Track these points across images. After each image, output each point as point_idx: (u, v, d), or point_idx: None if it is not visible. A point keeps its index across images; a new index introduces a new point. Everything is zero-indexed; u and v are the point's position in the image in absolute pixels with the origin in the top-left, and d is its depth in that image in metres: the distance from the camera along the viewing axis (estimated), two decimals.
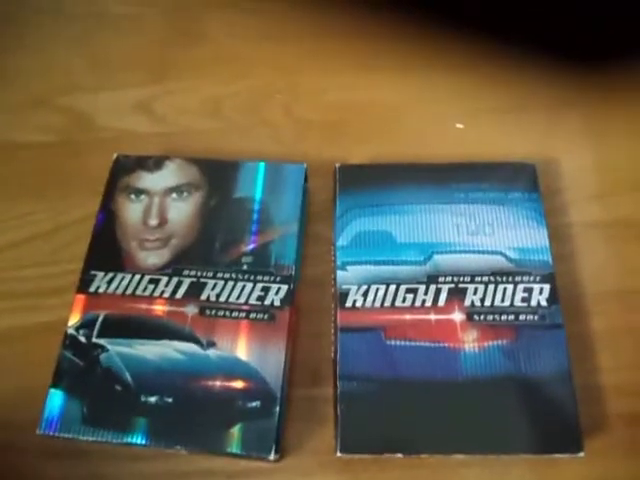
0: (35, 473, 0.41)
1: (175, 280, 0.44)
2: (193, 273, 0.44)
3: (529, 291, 0.42)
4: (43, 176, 0.52)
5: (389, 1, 0.59)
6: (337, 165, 0.48)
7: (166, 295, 0.43)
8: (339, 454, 0.38)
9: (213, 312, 0.42)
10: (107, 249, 0.45)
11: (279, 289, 0.43)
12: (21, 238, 0.49)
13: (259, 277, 0.44)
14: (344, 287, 0.43)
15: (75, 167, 0.52)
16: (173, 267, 0.44)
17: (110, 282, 0.44)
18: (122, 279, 0.44)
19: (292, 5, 0.60)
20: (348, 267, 0.44)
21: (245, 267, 0.44)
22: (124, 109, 0.54)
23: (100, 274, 0.44)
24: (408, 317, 0.42)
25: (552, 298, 0.42)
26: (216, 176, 0.48)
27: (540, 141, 0.52)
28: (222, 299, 0.43)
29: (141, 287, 0.43)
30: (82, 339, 0.42)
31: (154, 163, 0.48)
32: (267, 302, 0.43)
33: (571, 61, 0.56)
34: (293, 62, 0.57)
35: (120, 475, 0.41)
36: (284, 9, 0.59)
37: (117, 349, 0.41)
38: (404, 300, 0.42)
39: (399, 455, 0.39)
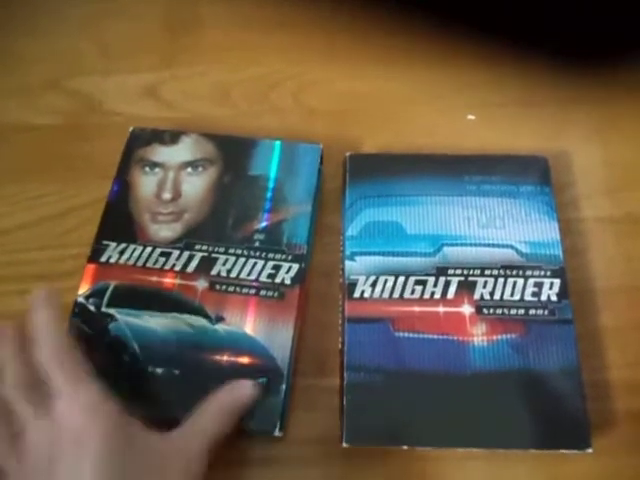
0: None
1: (186, 254, 0.44)
2: (205, 248, 0.44)
3: (539, 285, 0.42)
4: (52, 159, 0.52)
5: None
6: (347, 154, 0.48)
7: (177, 268, 0.43)
8: (345, 445, 0.38)
9: (223, 287, 0.43)
10: (120, 220, 0.45)
11: (290, 267, 0.43)
12: (29, 220, 0.49)
13: (270, 255, 0.44)
14: (352, 277, 0.43)
15: (84, 150, 0.52)
16: (185, 241, 0.44)
17: (122, 253, 0.44)
18: (134, 250, 0.44)
19: None
20: (357, 257, 0.43)
21: (257, 244, 0.44)
22: (133, 93, 0.54)
23: (112, 244, 0.44)
24: (417, 309, 0.42)
25: (562, 293, 0.42)
26: (232, 153, 0.48)
27: (551, 135, 0.52)
28: (233, 275, 0.43)
29: (152, 259, 0.43)
30: (91, 308, 0.42)
31: (170, 137, 0.48)
32: (278, 280, 0.43)
33: (584, 56, 0.55)
34: (302, 51, 0.56)
35: None
36: None
37: (126, 319, 0.41)
38: (413, 292, 0.42)
39: (404, 447, 0.38)
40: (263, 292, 0.42)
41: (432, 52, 0.56)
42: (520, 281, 0.42)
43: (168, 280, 0.43)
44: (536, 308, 0.41)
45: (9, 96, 0.55)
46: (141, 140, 0.49)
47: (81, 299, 0.42)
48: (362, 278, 0.43)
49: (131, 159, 0.48)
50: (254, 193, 0.46)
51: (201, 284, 0.42)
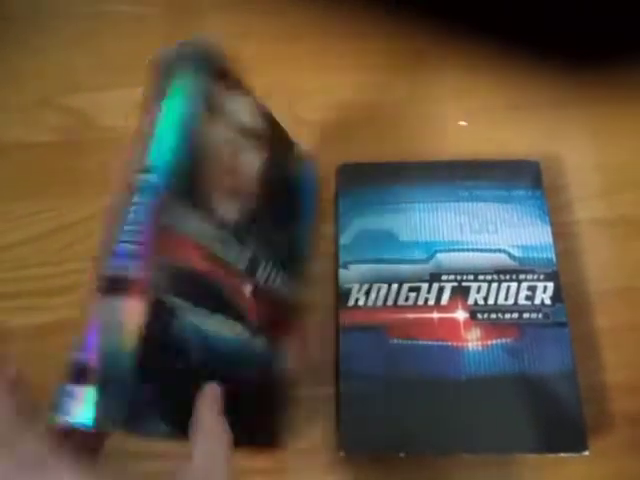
0: None
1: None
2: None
3: (533, 289, 0.42)
4: (48, 176, 0.52)
5: (390, 1, 0.59)
6: (339, 164, 0.48)
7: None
8: (342, 454, 0.38)
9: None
10: None
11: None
12: (26, 237, 0.50)
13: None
14: (346, 286, 0.43)
15: (79, 167, 0.52)
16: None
17: None
18: None
19: (293, 5, 0.59)
20: (350, 266, 0.44)
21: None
22: (126, 109, 0.54)
23: None
24: (411, 316, 0.42)
25: (556, 296, 0.42)
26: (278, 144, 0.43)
27: (544, 138, 0.52)
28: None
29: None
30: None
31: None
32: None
33: (575, 59, 0.55)
34: (294, 61, 0.57)
35: None
36: (285, 9, 0.59)
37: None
38: (407, 299, 0.42)
39: (401, 454, 0.39)
40: None
41: (423, 59, 0.56)
42: (514, 285, 0.42)
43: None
44: (530, 312, 0.42)
45: (4, 113, 0.55)
46: None
47: None
48: (356, 286, 0.43)
49: None
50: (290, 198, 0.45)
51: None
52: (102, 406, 0.25)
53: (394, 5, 0.58)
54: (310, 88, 0.55)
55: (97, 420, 0.25)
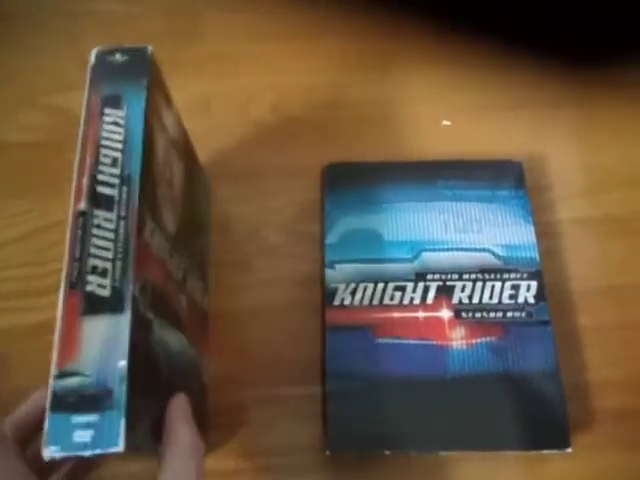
0: None
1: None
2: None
3: (516, 288, 0.43)
4: (30, 176, 0.51)
5: (377, 1, 0.59)
6: (325, 164, 0.48)
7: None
8: (328, 452, 0.39)
9: None
10: None
11: None
12: (7, 238, 0.49)
13: None
14: (332, 286, 0.43)
15: (62, 167, 0.51)
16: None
17: None
18: None
19: (281, 4, 0.59)
20: (336, 265, 0.44)
21: None
22: None
23: None
24: (396, 315, 0.42)
25: (539, 295, 0.42)
26: (189, 155, 0.43)
27: (527, 138, 0.52)
28: None
29: None
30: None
31: None
32: None
33: (559, 60, 0.56)
34: (281, 61, 0.57)
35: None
36: (272, 8, 0.59)
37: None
38: (392, 298, 0.43)
39: (387, 452, 0.39)
40: None
41: (408, 59, 0.56)
42: (498, 284, 0.43)
43: None
44: (514, 311, 0.42)
45: None
46: None
47: None
48: (342, 286, 0.43)
49: None
50: None
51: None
52: (127, 428, 0.24)
53: (385, 6, 0.59)
54: (296, 88, 0.55)
55: (127, 444, 0.24)
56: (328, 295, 0.43)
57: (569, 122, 0.54)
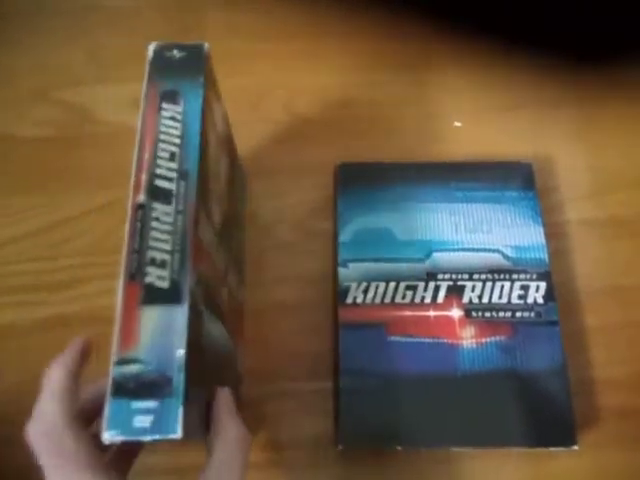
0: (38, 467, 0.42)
1: None
2: None
3: (526, 289, 0.43)
4: (43, 171, 0.52)
5: (386, 1, 0.60)
6: (338, 163, 0.49)
7: None
8: (340, 447, 0.39)
9: None
10: None
11: None
12: (21, 233, 0.49)
13: None
14: (345, 284, 0.44)
15: (74, 162, 0.52)
16: None
17: None
18: None
19: (291, 3, 0.60)
20: (349, 264, 0.44)
21: None
22: (122, 104, 0.54)
23: None
24: (408, 313, 0.43)
25: (548, 296, 0.43)
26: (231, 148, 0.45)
27: (537, 139, 0.53)
28: None
29: None
30: None
31: None
32: None
33: (566, 61, 0.57)
34: (292, 60, 0.57)
35: None
36: (283, 7, 0.59)
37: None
38: (404, 297, 0.43)
39: (398, 448, 0.40)
40: None
41: (419, 58, 0.57)
42: (507, 284, 0.44)
43: None
44: (523, 310, 0.43)
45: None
46: None
47: None
48: (354, 284, 0.44)
49: None
50: None
51: None
52: (184, 415, 0.25)
53: (393, 6, 0.59)
54: (308, 87, 0.55)
55: (184, 430, 0.24)
56: (341, 293, 0.43)
57: (576, 124, 0.54)
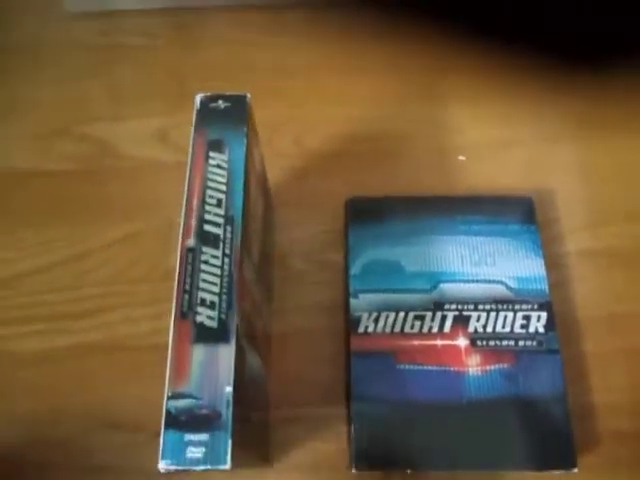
0: None
1: None
2: None
3: (527, 318, 0.46)
4: (66, 203, 0.54)
5: (392, 37, 0.62)
6: (348, 197, 0.51)
7: None
8: (354, 470, 0.42)
9: None
10: None
11: None
12: (46, 264, 0.52)
13: None
14: (356, 314, 0.46)
15: (96, 194, 0.55)
16: None
17: None
18: None
19: (298, 39, 0.62)
20: (360, 295, 0.47)
21: None
22: (143, 138, 0.57)
23: None
24: (416, 342, 0.45)
25: (549, 325, 0.46)
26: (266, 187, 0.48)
27: (537, 172, 0.56)
28: None
29: None
30: None
31: None
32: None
33: (564, 95, 0.59)
34: (302, 94, 0.60)
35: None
36: (291, 43, 0.62)
37: None
38: (412, 326, 0.46)
39: (408, 471, 0.42)
40: None
41: (425, 93, 0.60)
42: (510, 314, 0.46)
43: None
44: (525, 339, 0.45)
45: (23, 143, 0.57)
46: None
47: None
48: (365, 314, 0.46)
49: None
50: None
51: None
52: (232, 447, 0.27)
53: (398, 42, 0.62)
54: (317, 121, 0.58)
55: (232, 461, 0.27)
56: (353, 323, 0.46)
57: (576, 158, 0.57)
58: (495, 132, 0.58)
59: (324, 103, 0.59)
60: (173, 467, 0.26)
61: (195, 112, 0.36)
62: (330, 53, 0.62)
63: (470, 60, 0.61)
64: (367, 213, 0.50)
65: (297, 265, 0.51)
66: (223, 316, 0.29)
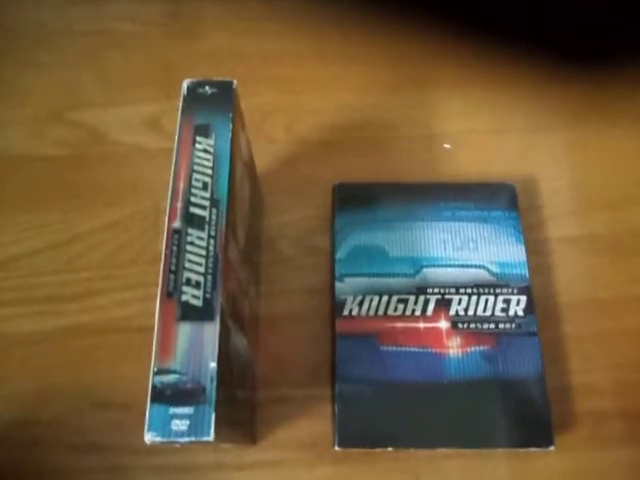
0: (58, 467, 0.45)
1: None
2: None
3: (507, 302, 0.47)
4: (59, 188, 0.55)
5: (381, 26, 0.63)
6: (336, 183, 0.52)
7: None
8: (337, 448, 0.43)
9: None
10: None
11: None
12: (38, 247, 0.53)
13: None
14: (341, 297, 0.47)
15: (89, 180, 0.55)
16: None
17: None
18: None
19: (291, 28, 0.63)
20: (345, 279, 0.48)
21: None
22: (134, 125, 0.58)
23: None
24: (399, 325, 0.46)
25: (528, 309, 0.47)
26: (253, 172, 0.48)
27: (521, 160, 0.57)
28: None
29: None
30: None
31: None
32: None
33: (550, 85, 0.60)
34: (292, 82, 0.61)
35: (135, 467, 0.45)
36: (283, 32, 0.63)
37: None
38: (396, 309, 0.47)
39: (390, 449, 0.43)
40: None
41: (412, 82, 0.60)
42: (491, 298, 0.47)
43: None
44: (505, 322, 0.46)
45: (16, 128, 0.58)
46: None
47: None
48: (350, 298, 0.47)
49: None
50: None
51: None
52: (215, 421, 0.28)
53: (387, 31, 0.63)
54: (307, 109, 0.59)
55: (216, 434, 0.28)
56: (338, 306, 0.47)
57: (559, 145, 0.58)
58: (482, 121, 0.58)
59: (314, 91, 0.60)
60: (159, 439, 0.28)
61: (182, 97, 0.36)
62: (321, 42, 0.63)
63: (458, 50, 0.62)
64: (354, 199, 0.51)
65: (285, 249, 0.52)
66: (208, 295, 0.30)
